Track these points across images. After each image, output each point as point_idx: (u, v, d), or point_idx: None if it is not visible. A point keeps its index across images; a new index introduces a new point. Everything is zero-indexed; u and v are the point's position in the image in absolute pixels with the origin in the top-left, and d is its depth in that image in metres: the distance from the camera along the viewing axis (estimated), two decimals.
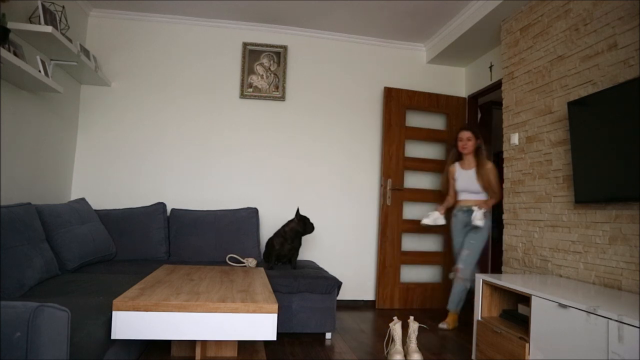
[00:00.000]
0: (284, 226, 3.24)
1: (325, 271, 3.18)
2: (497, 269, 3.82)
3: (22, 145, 2.90)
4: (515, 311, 2.56)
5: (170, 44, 3.97)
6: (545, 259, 2.80)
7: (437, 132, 4.27)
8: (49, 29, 2.65)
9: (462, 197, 3.52)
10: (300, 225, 3.20)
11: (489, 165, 3.45)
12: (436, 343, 3.00)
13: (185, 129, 3.94)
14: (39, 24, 2.66)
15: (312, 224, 3.26)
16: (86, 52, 3.31)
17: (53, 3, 2.97)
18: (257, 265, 3.19)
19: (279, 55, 4.10)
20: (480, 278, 2.61)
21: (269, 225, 3.92)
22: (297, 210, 3.26)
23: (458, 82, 4.48)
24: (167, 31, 3.97)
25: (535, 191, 2.94)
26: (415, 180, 4.23)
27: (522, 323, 2.39)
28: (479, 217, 3.23)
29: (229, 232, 3.55)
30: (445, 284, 4.17)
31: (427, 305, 4.10)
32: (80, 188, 3.73)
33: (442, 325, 3.39)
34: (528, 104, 3.07)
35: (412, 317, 2.69)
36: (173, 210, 3.65)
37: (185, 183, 3.91)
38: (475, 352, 2.59)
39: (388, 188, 4.06)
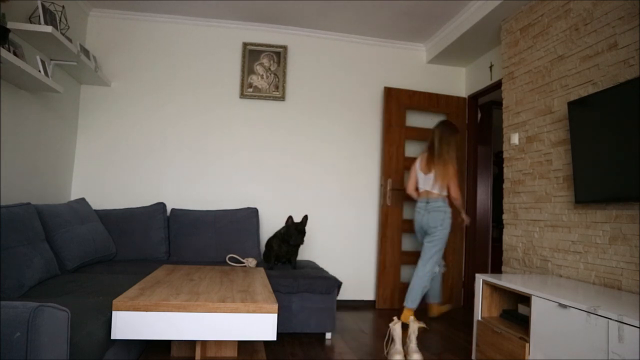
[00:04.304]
0: (281, 228, 3.23)
1: (325, 271, 3.17)
2: (497, 269, 3.82)
3: (22, 145, 2.90)
4: (515, 311, 2.56)
5: (170, 43, 3.97)
6: (546, 259, 2.80)
7: None
8: (49, 28, 2.65)
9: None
10: (287, 235, 3.12)
11: None
12: (436, 343, 3.00)
13: (185, 129, 3.94)
14: (39, 23, 2.66)
15: (298, 237, 3.09)
16: (86, 52, 3.31)
17: (53, 3, 2.97)
18: (257, 265, 3.19)
19: (279, 55, 4.10)
20: (480, 278, 2.61)
21: (269, 225, 3.92)
22: (288, 219, 3.14)
23: (458, 82, 4.48)
24: (167, 31, 3.97)
25: (535, 191, 2.94)
26: None
27: (522, 323, 2.39)
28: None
29: (229, 232, 3.55)
30: (445, 284, 4.17)
31: (427, 305, 4.09)
32: (80, 188, 3.73)
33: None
34: (528, 104, 3.07)
35: (412, 317, 2.69)
36: (173, 210, 3.65)
37: (185, 183, 3.90)
38: (475, 352, 2.59)
39: (388, 188, 4.06)
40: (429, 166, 3.47)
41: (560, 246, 2.68)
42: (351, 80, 4.25)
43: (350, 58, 4.27)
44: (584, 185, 2.43)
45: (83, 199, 3.34)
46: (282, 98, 4.08)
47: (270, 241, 3.27)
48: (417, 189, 3.57)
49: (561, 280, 2.54)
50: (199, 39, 4.02)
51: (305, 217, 3.19)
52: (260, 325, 1.82)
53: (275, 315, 1.84)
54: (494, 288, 2.62)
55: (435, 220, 3.41)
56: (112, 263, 3.07)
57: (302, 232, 3.13)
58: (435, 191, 3.43)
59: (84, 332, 1.56)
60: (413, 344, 2.60)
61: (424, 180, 3.49)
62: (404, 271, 4.14)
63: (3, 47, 2.25)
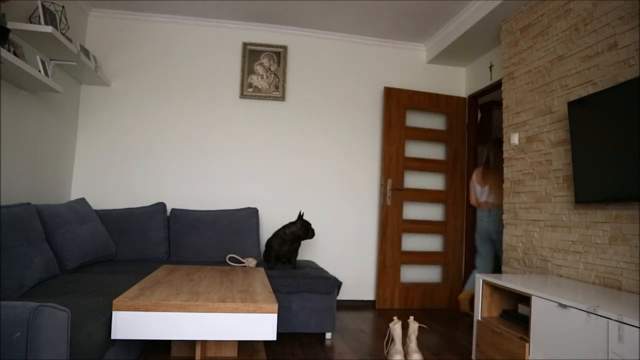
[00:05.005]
0: (284, 228, 3.20)
1: (325, 271, 3.18)
2: (497, 269, 3.82)
3: (22, 145, 2.90)
4: (515, 311, 2.56)
5: (170, 43, 3.97)
6: (545, 259, 2.80)
7: (437, 132, 4.27)
8: (49, 29, 2.65)
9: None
10: (302, 231, 3.17)
11: None
12: (436, 343, 3.00)
13: (185, 129, 3.94)
14: (39, 23, 2.66)
15: (313, 230, 3.22)
16: (86, 52, 3.31)
17: (53, 3, 2.97)
18: (257, 265, 3.19)
19: (279, 55, 4.10)
20: (480, 278, 2.61)
21: (269, 225, 3.92)
22: (301, 215, 3.19)
23: (458, 82, 4.48)
24: (167, 31, 3.97)
25: (535, 191, 2.94)
26: (416, 180, 4.23)
27: (522, 323, 2.39)
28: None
29: (229, 232, 3.55)
30: (446, 284, 4.18)
31: (427, 305, 4.10)
32: (80, 188, 3.73)
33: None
34: (528, 104, 3.07)
35: (412, 317, 2.69)
36: (173, 210, 3.65)
37: (185, 183, 3.91)
38: (475, 352, 2.59)
39: (388, 188, 4.06)
40: (484, 179, 3.81)
41: (560, 246, 2.68)
42: (351, 80, 4.25)
43: (350, 58, 4.27)
44: (584, 185, 2.43)
45: (83, 199, 3.34)
46: (282, 98, 4.08)
47: (270, 241, 3.27)
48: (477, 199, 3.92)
49: (561, 280, 2.54)
50: (199, 39, 4.02)
51: (302, 214, 3.25)
52: (260, 325, 1.82)
53: (275, 315, 1.84)
54: (494, 288, 2.62)
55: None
56: (112, 263, 3.07)
57: (310, 225, 3.24)
58: (491, 201, 3.76)
59: (84, 332, 1.56)
60: (413, 344, 2.60)
61: (481, 192, 3.83)
62: (404, 271, 4.14)
63: (3, 47, 2.25)
